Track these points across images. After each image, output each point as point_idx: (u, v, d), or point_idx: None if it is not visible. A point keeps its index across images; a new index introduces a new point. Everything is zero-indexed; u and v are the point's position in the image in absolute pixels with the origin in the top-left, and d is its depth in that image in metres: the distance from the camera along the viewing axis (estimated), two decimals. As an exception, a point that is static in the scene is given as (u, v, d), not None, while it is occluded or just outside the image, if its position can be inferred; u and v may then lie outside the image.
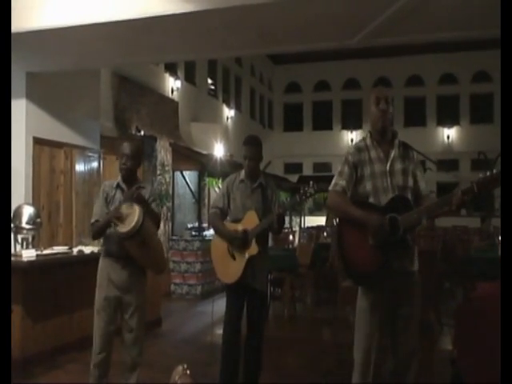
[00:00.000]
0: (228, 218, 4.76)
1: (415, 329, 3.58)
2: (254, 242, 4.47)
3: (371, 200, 3.55)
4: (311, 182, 4.39)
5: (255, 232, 4.46)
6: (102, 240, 4.64)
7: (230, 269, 4.58)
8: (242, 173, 4.71)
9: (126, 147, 4.43)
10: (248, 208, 4.57)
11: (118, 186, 4.48)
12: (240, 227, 4.53)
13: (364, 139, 3.71)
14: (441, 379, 5.31)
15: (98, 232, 4.45)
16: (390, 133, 3.65)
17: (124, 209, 4.23)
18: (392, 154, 3.59)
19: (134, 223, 4.12)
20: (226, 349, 4.66)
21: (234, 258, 4.56)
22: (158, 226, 4.55)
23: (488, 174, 3.17)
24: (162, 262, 4.70)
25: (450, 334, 6.79)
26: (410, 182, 3.59)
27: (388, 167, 3.56)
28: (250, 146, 4.65)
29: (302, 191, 4.38)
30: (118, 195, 4.44)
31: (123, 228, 4.16)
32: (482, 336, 3.48)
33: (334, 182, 3.63)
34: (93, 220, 4.47)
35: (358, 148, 3.66)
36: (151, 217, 4.35)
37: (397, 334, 3.54)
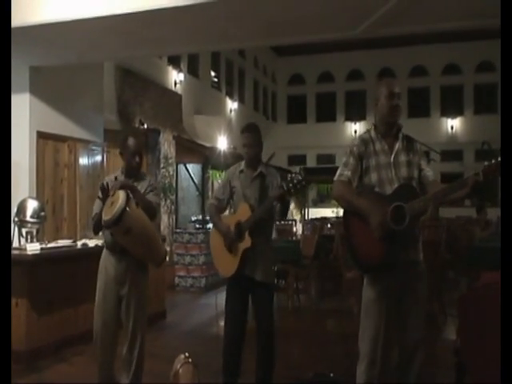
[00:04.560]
0: (231, 209, 4.71)
1: (421, 319, 3.58)
2: (247, 235, 4.36)
3: (377, 191, 3.57)
4: (299, 169, 4.25)
5: (247, 225, 4.36)
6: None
7: (227, 262, 4.50)
8: (243, 163, 4.63)
9: (133, 143, 4.49)
10: (247, 198, 4.49)
11: (116, 179, 4.47)
12: (235, 220, 4.45)
13: (368, 131, 3.72)
14: (445, 369, 5.32)
15: (95, 225, 4.45)
16: (395, 126, 3.65)
17: (111, 197, 4.19)
18: (396, 147, 3.61)
19: (115, 209, 4.05)
20: (229, 343, 4.54)
21: (231, 252, 4.46)
22: (154, 216, 4.43)
23: (493, 161, 3.16)
24: (157, 254, 4.53)
25: (453, 323, 6.79)
26: (415, 174, 3.61)
27: (392, 159, 3.58)
28: (250, 133, 4.57)
29: (288, 179, 4.25)
30: None
31: (107, 215, 4.11)
32: (486, 325, 3.47)
33: (339, 172, 3.63)
34: (92, 214, 4.52)
35: (363, 140, 3.67)
36: (143, 205, 4.28)
37: (403, 324, 3.56)
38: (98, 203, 4.46)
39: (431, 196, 3.48)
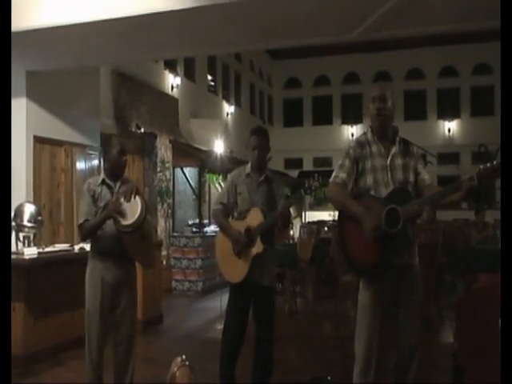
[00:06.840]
0: (234, 213, 4.65)
1: (417, 323, 3.59)
2: (258, 240, 4.37)
3: (372, 194, 3.57)
4: (316, 175, 4.29)
5: (260, 230, 4.36)
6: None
7: (236, 268, 4.46)
8: (248, 167, 4.60)
9: (118, 142, 4.37)
10: (254, 203, 4.47)
11: (103, 182, 4.30)
12: (244, 225, 4.44)
13: (365, 134, 3.73)
14: (442, 372, 5.32)
15: (93, 230, 4.20)
16: (390, 129, 3.66)
17: (124, 202, 4.09)
18: (393, 150, 3.61)
19: (138, 215, 4.02)
20: (229, 347, 4.55)
21: (240, 257, 4.45)
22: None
23: (488, 164, 3.16)
24: (153, 255, 4.64)
25: (450, 327, 6.79)
26: (411, 177, 3.61)
27: (388, 162, 3.58)
28: (260, 136, 4.55)
29: (306, 185, 4.28)
30: (105, 192, 4.26)
31: (127, 220, 4.03)
32: (483, 328, 3.48)
33: (334, 174, 3.63)
34: (81, 220, 4.23)
35: (360, 142, 3.68)
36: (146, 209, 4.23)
37: (398, 328, 3.56)
38: (87, 207, 4.25)
39: (425, 199, 3.49)
